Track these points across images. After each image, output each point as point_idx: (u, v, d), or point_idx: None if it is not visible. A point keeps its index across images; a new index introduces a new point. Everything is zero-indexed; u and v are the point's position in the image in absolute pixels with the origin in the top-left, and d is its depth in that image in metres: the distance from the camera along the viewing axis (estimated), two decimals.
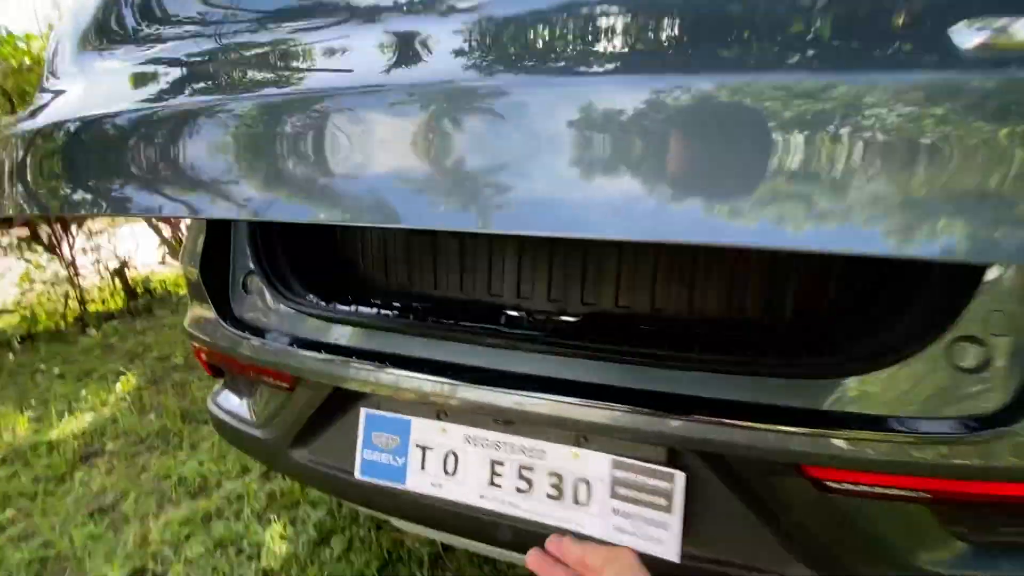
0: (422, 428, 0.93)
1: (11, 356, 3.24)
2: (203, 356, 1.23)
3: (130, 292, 4.26)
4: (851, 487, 0.71)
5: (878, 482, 0.70)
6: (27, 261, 3.78)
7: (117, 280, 4.22)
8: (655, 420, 0.75)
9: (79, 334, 3.62)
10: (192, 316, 1.21)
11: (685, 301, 0.98)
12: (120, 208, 0.54)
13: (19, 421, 2.39)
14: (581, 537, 0.58)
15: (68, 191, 0.58)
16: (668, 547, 0.77)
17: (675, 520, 0.77)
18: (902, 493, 0.71)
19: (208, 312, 1.14)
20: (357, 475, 0.97)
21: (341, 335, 1.01)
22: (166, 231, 4.50)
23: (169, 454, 2.16)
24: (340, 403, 1.01)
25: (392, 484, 0.95)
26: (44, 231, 3.82)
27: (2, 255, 3.97)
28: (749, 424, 0.71)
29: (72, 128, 0.57)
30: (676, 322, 0.98)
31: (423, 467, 0.93)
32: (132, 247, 4.47)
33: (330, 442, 1.05)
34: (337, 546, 1.62)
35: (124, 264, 4.25)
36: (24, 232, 3.79)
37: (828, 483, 0.72)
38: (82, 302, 3.89)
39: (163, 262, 4.68)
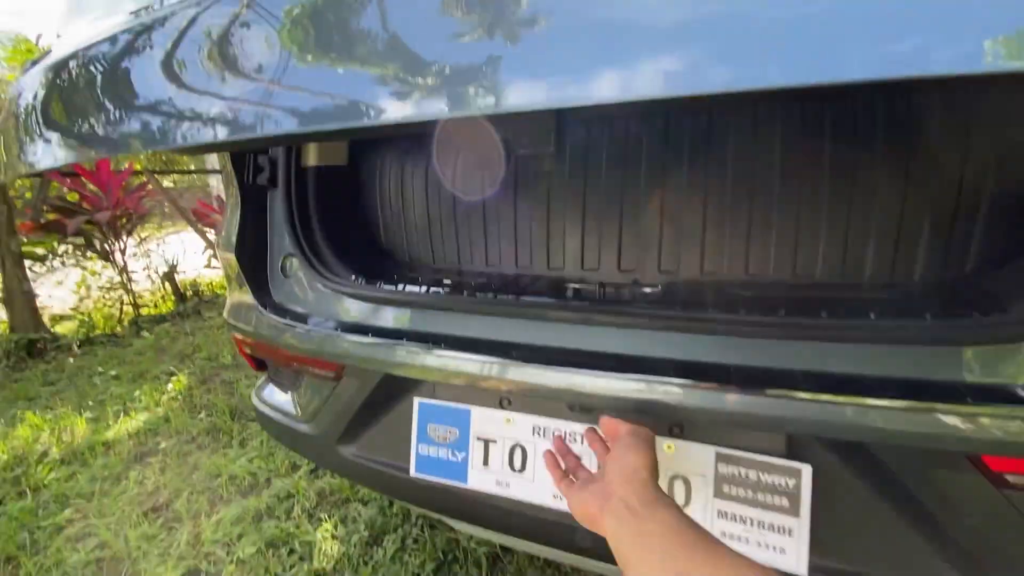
0: (484, 418, 0.82)
1: (71, 360, 3.34)
2: (244, 348, 1.16)
3: (179, 295, 4.35)
4: None
5: None
6: (83, 268, 3.90)
7: (167, 284, 4.33)
8: (769, 402, 0.60)
9: (133, 337, 3.71)
10: (231, 304, 1.14)
11: (788, 265, 0.82)
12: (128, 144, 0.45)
13: (78, 422, 2.43)
14: None
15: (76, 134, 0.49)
16: (793, 558, 0.63)
17: (802, 525, 0.63)
18: None
19: (247, 298, 1.06)
20: (412, 472, 0.87)
21: (388, 317, 0.91)
22: (211, 235, 4.58)
23: (219, 452, 2.14)
24: (391, 392, 0.91)
25: (451, 482, 0.84)
26: (97, 239, 3.94)
27: (60, 264, 4.12)
28: (898, 404, 0.56)
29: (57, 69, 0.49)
30: (777, 286, 0.82)
31: (486, 463, 0.82)
32: (180, 252, 4.58)
33: (381, 436, 0.95)
34: (390, 546, 1.54)
35: (173, 268, 4.35)
36: (79, 240, 3.92)
37: (1008, 477, 0.56)
38: (135, 306, 4.00)
39: (209, 265, 4.77)
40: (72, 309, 3.99)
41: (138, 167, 4.63)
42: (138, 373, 3.04)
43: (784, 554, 0.63)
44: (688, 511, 0.69)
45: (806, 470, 0.63)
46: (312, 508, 1.74)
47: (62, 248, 3.94)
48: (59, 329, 3.76)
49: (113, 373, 3.07)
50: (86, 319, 3.86)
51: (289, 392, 1.15)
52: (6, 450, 2.23)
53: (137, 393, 2.72)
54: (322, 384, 1.01)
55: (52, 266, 4.16)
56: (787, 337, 0.62)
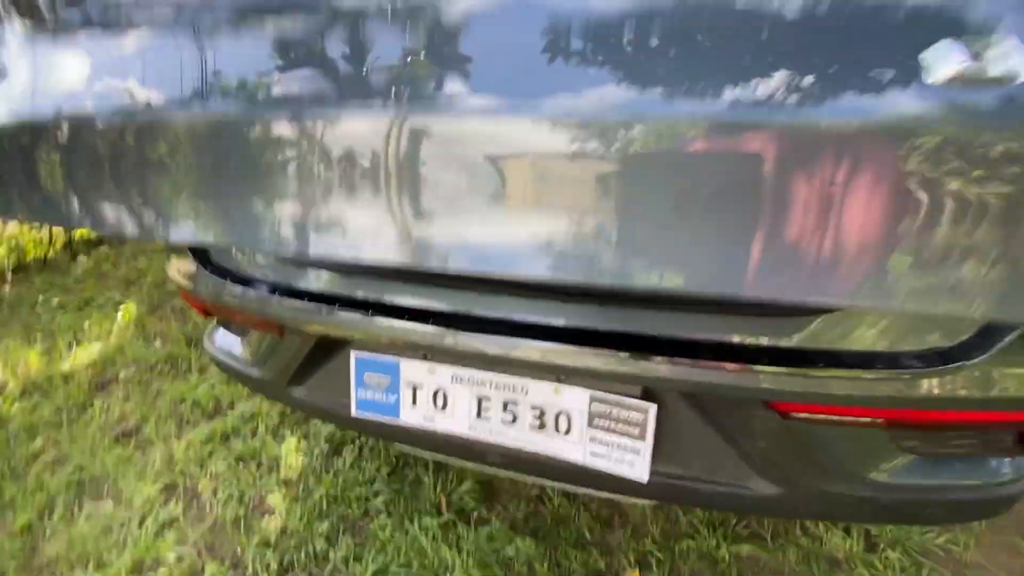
0: (411, 368, 0.98)
1: (6, 288, 3.26)
2: (188, 298, 1.25)
3: None
4: (814, 416, 0.77)
5: (842, 413, 0.76)
6: None
7: None
8: (628, 362, 0.78)
9: (70, 262, 3.61)
10: (173, 263, 1.21)
11: None
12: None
13: (30, 354, 2.47)
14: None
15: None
16: (638, 470, 0.85)
17: (646, 446, 0.84)
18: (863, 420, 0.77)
19: (187, 260, 1.13)
20: (353, 412, 1.03)
21: (322, 282, 1.02)
22: None
23: (180, 378, 2.26)
24: (329, 347, 1.05)
25: (387, 419, 1.01)
26: None
27: None
28: (719, 364, 0.75)
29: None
30: None
31: (414, 403, 0.99)
32: None
33: (325, 381, 1.10)
34: (348, 456, 1.77)
35: None
36: None
37: (792, 414, 0.78)
38: (67, 228, 3.82)
39: None
40: None
41: None
42: (83, 302, 3.02)
43: (633, 467, 0.85)
44: (569, 438, 0.90)
45: (652, 408, 0.83)
46: (276, 427, 1.94)
47: None
48: None
49: (56, 302, 3.04)
50: (14, 245, 3.69)
51: (239, 338, 1.27)
52: None
53: (87, 324, 2.74)
54: (268, 336, 1.13)
55: None
56: (637, 307, 0.79)
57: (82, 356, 2.46)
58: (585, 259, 0.48)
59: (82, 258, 3.63)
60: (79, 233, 3.98)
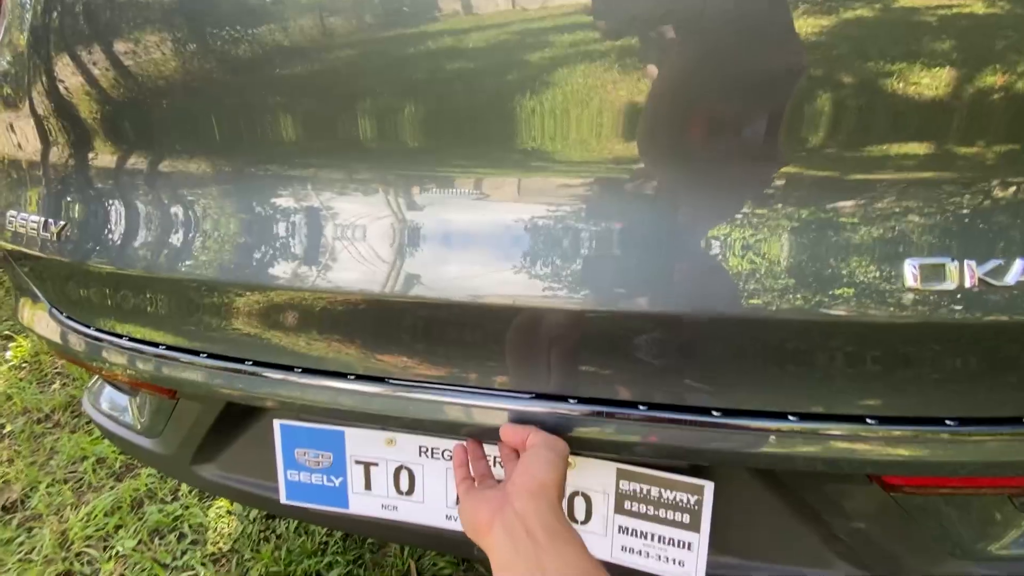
0: (360, 440, 0.70)
1: None
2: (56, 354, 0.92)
3: None
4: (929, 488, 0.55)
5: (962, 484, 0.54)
6: None
7: None
8: (670, 429, 0.54)
9: None
10: (22, 306, 0.88)
11: None
12: None
13: None
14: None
15: None
16: (690, 568, 0.61)
17: (700, 538, 0.60)
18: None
19: (34, 300, 0.81)
20: (283, 500, 0.75)
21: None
22: None
23: (81, 429, 1.87)
24: (243, 412, 0.75)
25: (332, 509, 0.73)
26: None
27: None
28: (807, 428, 0.52)
29: None
30: None
31: (368, 487, 0.71)
32: None
33: (242, 455, 0.80)
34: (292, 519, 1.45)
35: None
36: None
37: (901, 487, 0.56)
38: None
39: None
40: None
41: None
42: None
43: (683, 567, 0.61)
44: (589, 528, 0.65)
45: (708, 487, 0.59)
46: None
47: None
48: None
49: None
50: None
51: (127, 397, 0.95)
52: None
53: None
54: (160, 399, 0.82)
55: None
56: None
57: None
58: None
59: None
60: None
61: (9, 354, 2.35)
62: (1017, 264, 0.44)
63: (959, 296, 0.45)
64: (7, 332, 2.53)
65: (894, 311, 0.45)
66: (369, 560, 1.33)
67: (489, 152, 0.52)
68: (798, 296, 0.46)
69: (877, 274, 0.46)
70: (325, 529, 1.41)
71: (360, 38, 0.51)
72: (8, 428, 1.91)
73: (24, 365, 2.27)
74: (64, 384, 2.11)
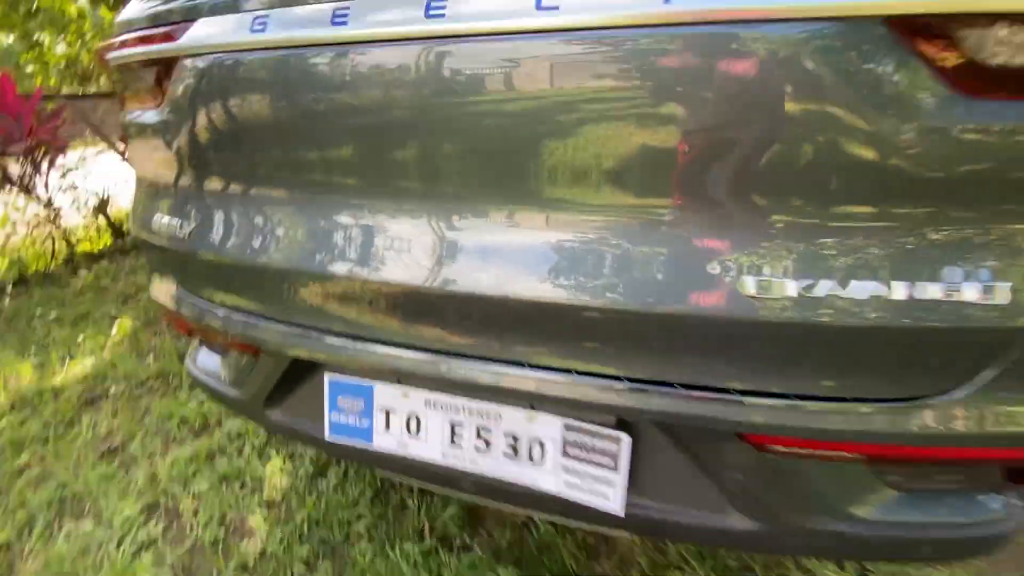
0: (384, 393, 0.96)
1: (6, 302, 3.28)
2: (171, 320, 1.24)
3: (115, 230, 4.20)
4: (791, 450, 0.74)
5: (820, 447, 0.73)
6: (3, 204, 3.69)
7: (99, 217, 4.15)
8: (599, 390, 0.76)
9: (71, 276, 3.63)
10: (156, 283, 1.20)
11: None
12: None
13: (23, 368, 2.47)
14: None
15: None
16: (613, 502, 0.82)
17: (620, 478, 0.81)
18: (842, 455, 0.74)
19: (170, 281, 1.13)
20: (327, 436, 1.01)
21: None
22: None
23: (170, 395, 2.25)
24: (304, 368, 1.03)
25: (361, 443, 0.99)
26: (16, 172, 3.69)
27: None
28: (690, 393, 0.73)
29: None
30: None
31: (388, 428, 0.97)
32: (110, 181, 4.33)
33: (301, 403, 1.08)
34: (333, 477, 1.74)
35: (104, 201, 4.14)
36: None
37: (769, 447, 0.75)
38: (68, 243, 3.86)
39: None
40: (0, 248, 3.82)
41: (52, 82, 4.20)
42: (79, 316, 3.03)
43: (608, 500, 0.82)
44: (543, 467, 0.87)
45: (626, 438, 0.80)
46: (262, 446, 1.91)
47: None
48: None
49: (53, 316, 3.05)
50: (16, 258, 3.72)
51: (219, 358, 1.25)
52: None
53: (81, 337, 2.74)
54: (245, 356, 1.12)
55: None
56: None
57: (74, 371, 2.46)
58: None
59: (83, 272, 3.65)
60: (81, 247, 4.01)
61: (115, 330, 2.81)
62: (823, 283, 0.64)
63: (785, 303, 0.65)
64: (112, 313, 3.01)
65: (741, 312, 0.66)
66: (392, 516, 1.58)
67: (488, 193, 0.78)
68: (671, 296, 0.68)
69: (735, 286, 0.67)
70: (359, 488, 1.68)
71: (417, 104, 0.78)
72: (113, 390, 2.32)
73: (125, 340, 2.72)
74: (157, 359, 2.52)
